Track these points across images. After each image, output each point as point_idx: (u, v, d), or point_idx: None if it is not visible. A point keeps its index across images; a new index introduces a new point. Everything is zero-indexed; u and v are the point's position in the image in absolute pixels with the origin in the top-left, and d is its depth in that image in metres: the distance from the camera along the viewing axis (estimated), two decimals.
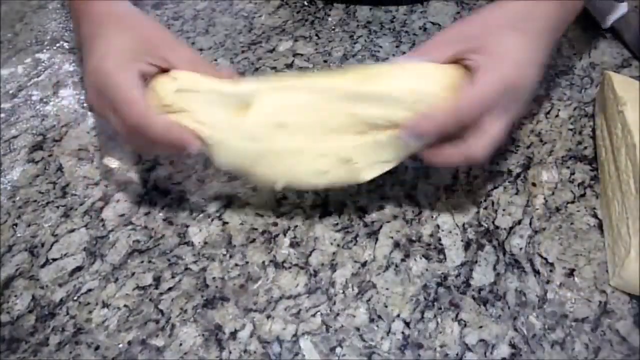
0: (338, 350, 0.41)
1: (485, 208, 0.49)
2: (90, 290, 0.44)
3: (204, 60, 0.43)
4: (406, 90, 0.40)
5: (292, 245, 0.47)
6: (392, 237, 0.47)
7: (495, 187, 0.50)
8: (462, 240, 0.47)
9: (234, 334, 0.42)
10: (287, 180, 0.43)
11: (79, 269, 0.46)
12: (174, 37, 0.44)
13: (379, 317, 0.42)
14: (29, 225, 0.48)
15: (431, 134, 0.40)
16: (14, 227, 0.48)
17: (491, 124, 0.40)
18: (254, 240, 0.47)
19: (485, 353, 0.40)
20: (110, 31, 0.42)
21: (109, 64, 0.40)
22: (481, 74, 0.39)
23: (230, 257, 0.46)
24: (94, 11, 0.44)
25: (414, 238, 0.47)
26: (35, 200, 0.50)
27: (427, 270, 0.45)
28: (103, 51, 0.40)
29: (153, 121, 0.39)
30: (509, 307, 0.43)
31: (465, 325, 0.42)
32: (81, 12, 0.45)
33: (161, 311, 0.43)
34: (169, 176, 0.52)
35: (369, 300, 0.43)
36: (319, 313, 0.43)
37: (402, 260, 0.46)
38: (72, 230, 0.48)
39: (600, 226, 0.47)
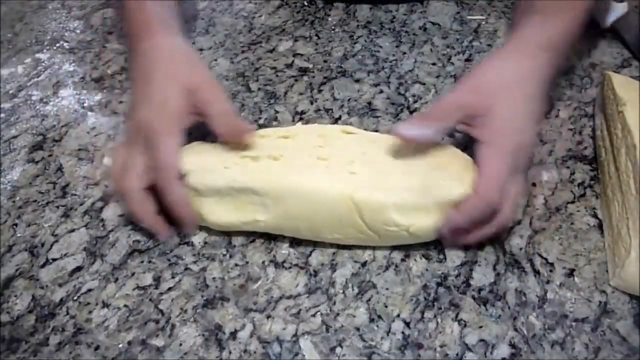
0: (338, 350, 0.41)
1: None
2: (90, 290, 0.44)
3: (234, 118, 0.46)
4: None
5: (292, 245, 0.47)
6: None
7: None
8: None
9: (234, 334, 0.42)
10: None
11: (79, 269, 0.45)
12: (213, 85, 0.47)
13: (379, 317, 0.42)
14: (29, 225, 0.48)
15: (465, 224, 0.42)
16: (14, 227, 0.48)
17: (509, 189, 0.42)
18: (254, 240, 0.47)
19: (485, 353, 0.40)
20: (157, 78, 0.45)
21: (157, 124, 0.44)
22: (486, 157, 0.42)
23: (230, 257, 0.46)
24: (140, 47, 0.48)
25: None
26: (35, 200, 0.50)
27: (427, 270, 0.45)
28: (152, 107, 0.45)
29: (175, 191, 0.43)
30: (509, 307, 0.43)
31: (465, 325, 0.42)
32: (130, 47, 0.49)
33: (161, 311, 0.43)
34: None
35: (369, 300, 0.43)
36: (319, 313, 0.43)
37: (402, 260, 0.46)
38: (72, 230, 0.48)
39: (600, 226, 0.47)
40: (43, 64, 0.63)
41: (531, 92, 0.45)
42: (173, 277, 0.45)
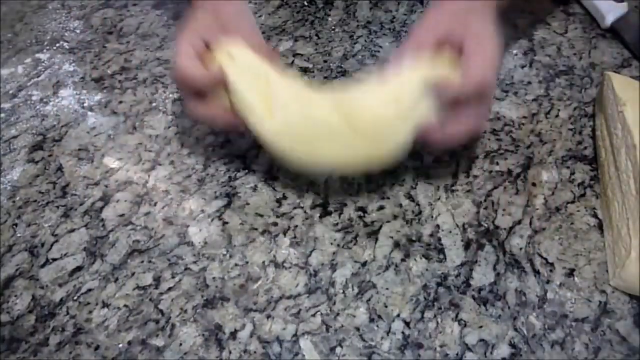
0: (338, 350, 0.41)
1: (485, 208, 0.49)
2: (90, 290, 0.44)
3: (261, 39, 0.50)
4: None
5: (292, 245, 0.47)
6: (392, 237, 0.47)
7: (495, 187, 0.50)
8: (462, 240, 0.47)
9: (234, 334, 0.42)
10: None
11: (79, 269, 0.46)
12: (249, 25, 0.51)
13: (379, 317, 0.42)
14: (29, 225, 0.48)
15: (450, 99, 0.44)
16: (14, 227, 0.48)
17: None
18: (254, 240, 0.47)
19: (485, 353, 0.40)
20: (198, 14, 0.50)
21: (182, 33, 0.48)
22: (473, 48, 0.44)
23: (230, 257, 0.46)
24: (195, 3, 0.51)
25: (414, 238, 0.47)
26: (35, 200, 0.50)
27: (427, 270, 0.45)
28: (185, 28, 0.49)
29: (193, 69, 0.45)
30: (509, 307, 0.43)
31: (465, 325, 0.42)
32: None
33: (161, 311, 0.43)
34: (169, 176, 0.52)
35: (369, 300, 0.43)
36: (319, 313, 0.43)
37: (402, 260, 0.46)
38: (72, 230, 0.48)
39: (600, 226, 0.47)
40: (43, 64, 0.63)
41: (488, 15, 0.48)
42: (173, 277, 0.45)
